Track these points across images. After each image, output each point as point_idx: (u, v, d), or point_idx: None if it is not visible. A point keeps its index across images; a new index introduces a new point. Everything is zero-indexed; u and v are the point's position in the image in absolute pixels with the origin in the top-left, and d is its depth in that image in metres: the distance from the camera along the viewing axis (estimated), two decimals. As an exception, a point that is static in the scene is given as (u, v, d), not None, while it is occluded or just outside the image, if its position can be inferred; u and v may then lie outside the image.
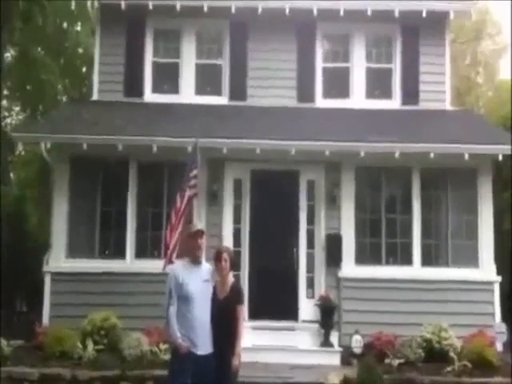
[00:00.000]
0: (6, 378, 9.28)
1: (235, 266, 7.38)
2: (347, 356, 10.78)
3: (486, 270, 11.68)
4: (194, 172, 10.46)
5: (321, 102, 13.47)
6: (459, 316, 11.17)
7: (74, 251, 11.80)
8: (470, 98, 25.33)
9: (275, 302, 11.44)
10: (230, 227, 11.92)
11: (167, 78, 13.74)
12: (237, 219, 11.99)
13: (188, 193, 10.39)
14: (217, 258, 6.79)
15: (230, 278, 6.85)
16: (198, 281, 6.54)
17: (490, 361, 10.17)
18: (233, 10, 13.13)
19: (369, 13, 13.09)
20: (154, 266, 10.90)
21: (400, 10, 13.16)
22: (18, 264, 14.57)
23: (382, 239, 11.91)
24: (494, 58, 27.83)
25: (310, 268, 11.89)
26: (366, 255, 11.88)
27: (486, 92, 27.01)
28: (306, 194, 12.08)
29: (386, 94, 13.62)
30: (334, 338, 11.06)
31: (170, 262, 9.87)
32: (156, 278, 10.34)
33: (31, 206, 17.58)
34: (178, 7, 13.10)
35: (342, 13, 13.09)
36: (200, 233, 6.71)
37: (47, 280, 11.61)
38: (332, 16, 13.20)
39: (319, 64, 13.63)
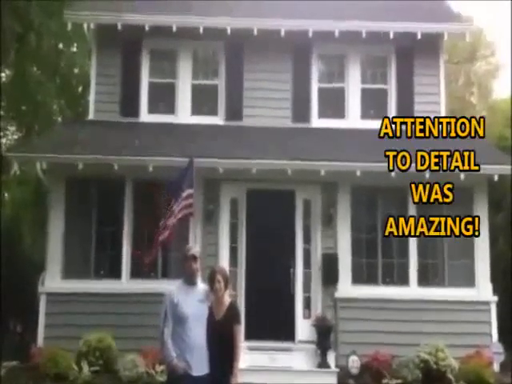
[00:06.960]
0: (0, 399, 9.22)
1: (230, 286, 7.34)
2: (344, 377, 10.69)
3: (483, 290, 11.67)
4: (190, 191, 10.46)
5: (316, 122, 13.51)
6: (456, 336, 11.14)
7: (69, 272, 11.73)
8: (464, 119, 25.43)
9: (272, 322, 11.41)
10: (226, 247, 11.90)
11: (163, 98, 13.75)
12: (233, 239, 11.97)
13: (185, 211, 10.39)
14: (211, 279, 6.75)
15: (227, 298, 6.82)
16: (193, 302, 6.52)
17: (488, 382, 10.15)
18: (229, 32, 13.21)
19: (364, 34, 13.19)
20: (149, 286, 10.89)
21: (395, 31, 13.28)
22: (12, 284, 14.46)
23: (378, 259, 11.90)
24: (488, 79, 28.06)
25: (307, 288, 11.86)
26: (362, 275, 11.86)
27: (480, 112, 27.16)
28: (302, 213, 12.08)
29: (381, 114, 13.62)
30: (330, 358, 10.99)
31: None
32: (152, 298, 10.29)
33: (26, 227, 17.49)
34: (174, 28, 13.18)
35: (337, 34, 13.19)
36: (193, 257, 6.67)
37: (42, 300, 11.53)
38: (327, 37, 13.29)
39: (314, 84, 13.69)
